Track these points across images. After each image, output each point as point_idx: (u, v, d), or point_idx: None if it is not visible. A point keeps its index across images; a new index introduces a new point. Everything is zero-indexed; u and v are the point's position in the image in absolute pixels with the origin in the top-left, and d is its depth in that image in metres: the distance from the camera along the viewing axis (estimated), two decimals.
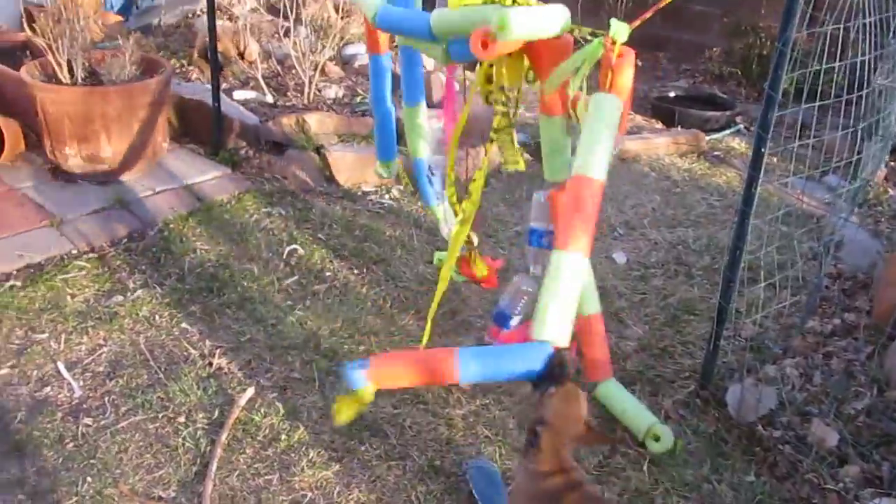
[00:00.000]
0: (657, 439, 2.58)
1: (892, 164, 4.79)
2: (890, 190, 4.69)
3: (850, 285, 3.50)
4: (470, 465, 2.49)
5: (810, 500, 2.41)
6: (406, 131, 3.52)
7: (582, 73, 2.25)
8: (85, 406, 2.68)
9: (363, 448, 2.57)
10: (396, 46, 3.40)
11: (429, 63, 4.83)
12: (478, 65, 2.64)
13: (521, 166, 2.76)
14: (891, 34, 2.81)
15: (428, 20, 2.49)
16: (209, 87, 4.33)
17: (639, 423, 2.63)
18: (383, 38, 3.37)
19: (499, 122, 2.60)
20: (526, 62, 2.55)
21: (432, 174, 3.52)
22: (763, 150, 2.34)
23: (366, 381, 1.98)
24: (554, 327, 2.00)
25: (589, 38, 2.31)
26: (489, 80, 2.66)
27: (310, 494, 2.39)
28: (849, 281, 3.53)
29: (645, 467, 2.54)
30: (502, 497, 2.37)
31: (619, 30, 2.13)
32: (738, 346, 3.02)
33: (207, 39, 4.26)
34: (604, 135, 2.13)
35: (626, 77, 2.18)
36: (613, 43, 2.13)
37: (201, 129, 4.47)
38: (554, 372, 1.92)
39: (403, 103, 3.44)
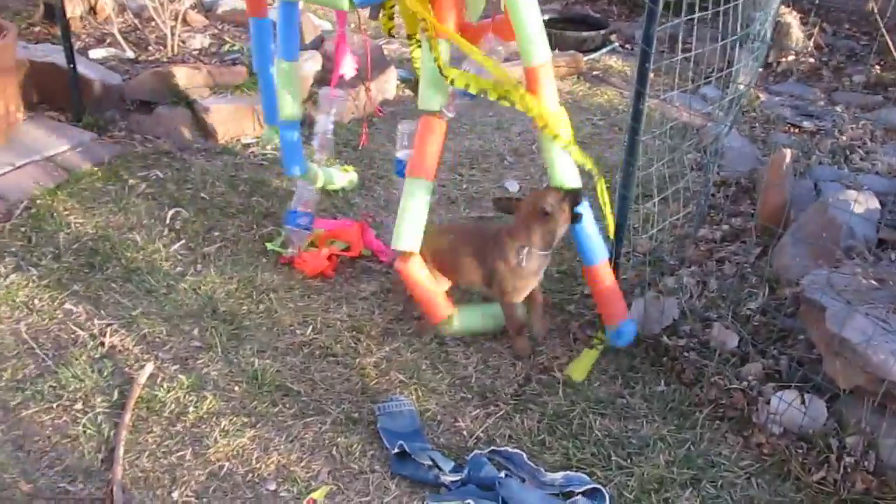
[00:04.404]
0: None
1: (761, 70, 4.94)
2: (761, 96, 4.86)
3: (733, 191, 3.62)
4: (382, 406, 2.50)
5: (718, 401, 2.50)
6: (278, 89, 3.22)
7: None
8: None
9: (276, 409, 2.50)
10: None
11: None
12: (381, 9, 3.12)
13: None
14: None
15: None
16: (61, 47, 4.00)
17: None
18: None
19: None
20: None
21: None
22: (648, 65, 2.35)
23: None
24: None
25: None
26: (391, 18, 3.18)
27: (227, 464, 2.31)
28: (731, 187, 3.65)
29: (560, 391, 2.58)
30: (410, 434, 2.39)
31: None
32: (637, 262, 3.08)
33: None
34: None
35: None
36: None
37: (58, 94, 4.14)
38: None
39: (279, 58, 3.18)
